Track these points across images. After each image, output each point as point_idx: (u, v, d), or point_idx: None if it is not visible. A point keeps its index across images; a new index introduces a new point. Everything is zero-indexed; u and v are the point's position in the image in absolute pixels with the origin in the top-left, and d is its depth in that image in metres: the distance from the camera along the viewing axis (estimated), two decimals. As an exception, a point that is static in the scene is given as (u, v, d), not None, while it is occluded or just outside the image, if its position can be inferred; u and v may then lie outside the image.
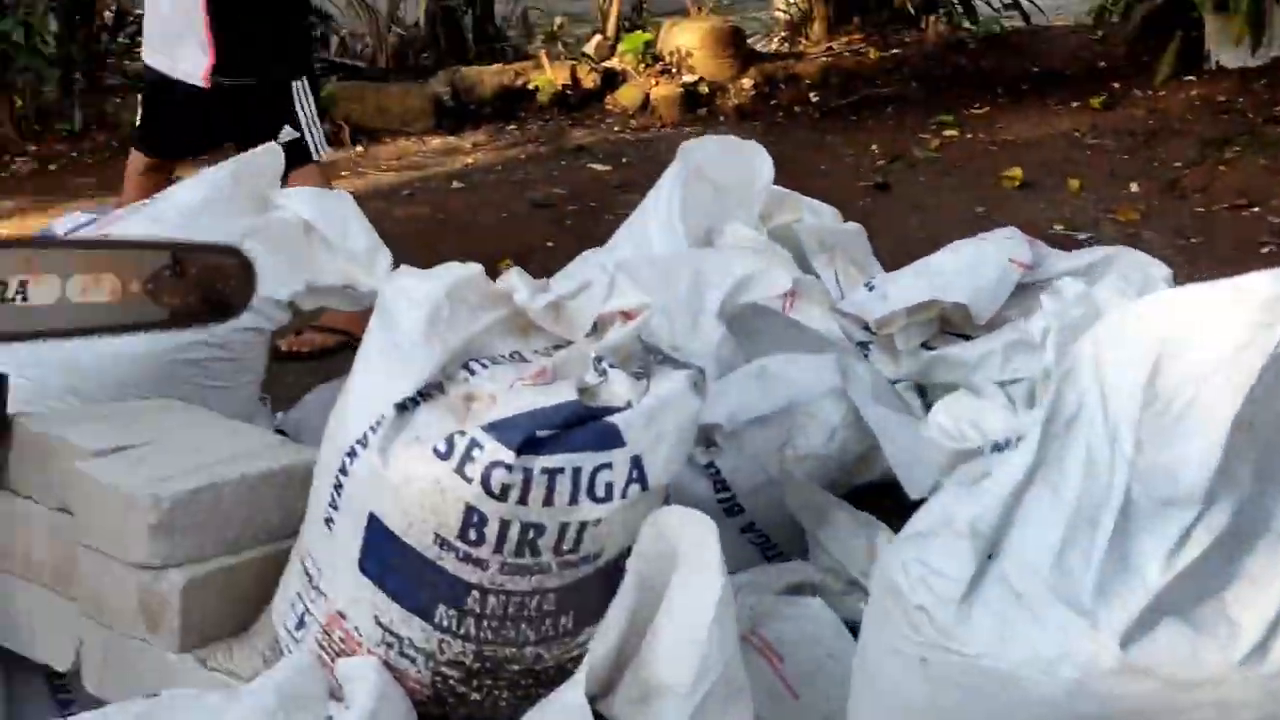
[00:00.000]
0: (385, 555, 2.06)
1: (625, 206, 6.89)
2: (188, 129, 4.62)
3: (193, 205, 2.90)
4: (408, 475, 2.03)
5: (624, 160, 7.79)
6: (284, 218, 2.92)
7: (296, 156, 4.29)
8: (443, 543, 2.03)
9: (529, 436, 2.01)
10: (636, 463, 2.05)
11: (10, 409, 2.45)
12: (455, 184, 7.47)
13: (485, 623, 2.05)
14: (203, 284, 2.53)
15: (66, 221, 3.04)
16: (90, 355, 2.66)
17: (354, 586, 2.09)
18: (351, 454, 2.09)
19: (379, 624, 2.08)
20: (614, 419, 2.06)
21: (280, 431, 2.94)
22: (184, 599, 2.22)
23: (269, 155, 3.01)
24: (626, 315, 2.19)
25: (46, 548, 2.38)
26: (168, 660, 2.23)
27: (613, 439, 2.05)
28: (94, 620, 2.31)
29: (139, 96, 4.95)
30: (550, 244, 6.41)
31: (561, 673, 2.09)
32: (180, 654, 2.23)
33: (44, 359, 2.64)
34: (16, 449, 2.43)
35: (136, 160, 4.85)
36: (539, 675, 2.10)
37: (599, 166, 7.69)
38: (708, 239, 2.98)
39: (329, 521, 2.12)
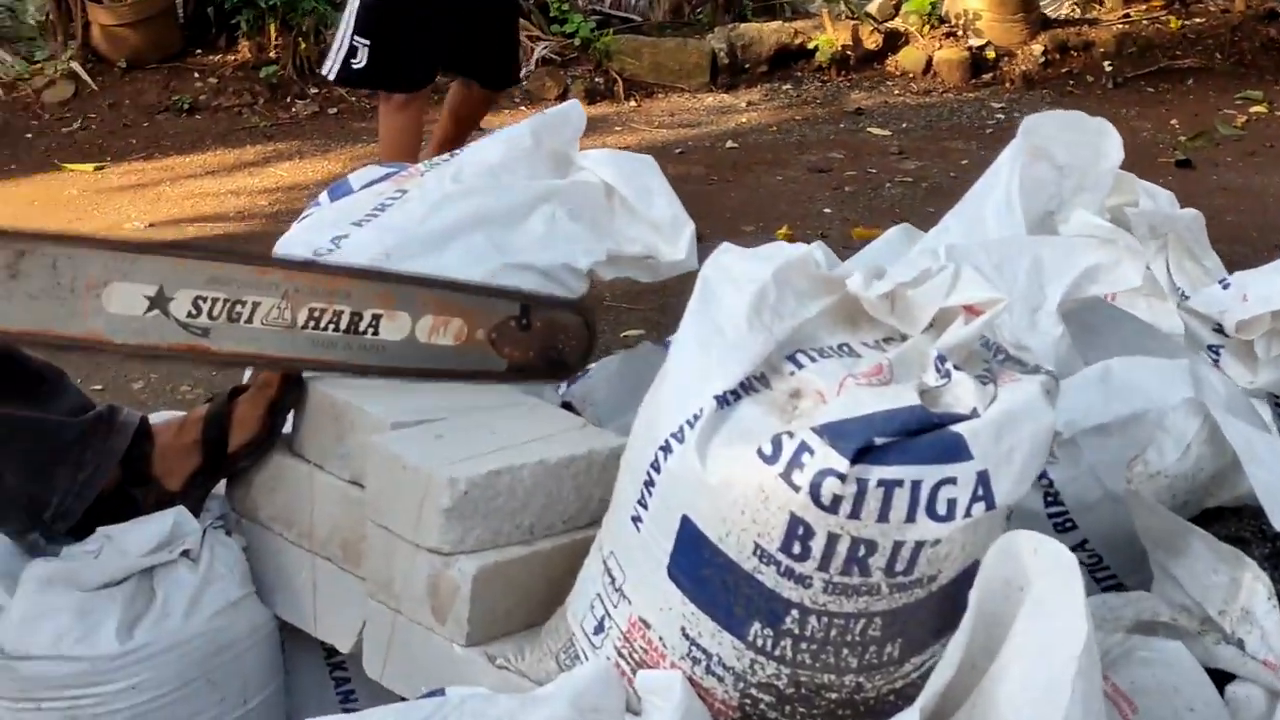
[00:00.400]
0: (697, 562, 1.89)
1: (905, 174, 6.70)
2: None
3: (492, 164, 2.76)
4: (727, 477, 1.86)
5: (904, 125, 7.54)
6: (586, 180, 2.77)
7: None
8: (762, 554, 1.85)
9: (865, 443, 1.82)
10: (983, 479, 1.84)
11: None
12: (729, 143, 7.30)
13: (803, 645, 1.87)
14: (545, 339, 2.47)
15: (363, 175, 2.92)
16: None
17: (661, 593, 1.93)
18: (665, 449, 1.92)
19: (685, 636, 1.91)
20: (959, 428, 1.86)
21: (566, 405, 2.79)
22: (475, 588, 2.08)
23: (571, 112, 2.85)
24: (971, 310, 1.98)
25: (334, 520, 2.27)
26: (454, 652, 2.10)
27: (957, 451, 1.84)
28: (380, 602, 2.19)
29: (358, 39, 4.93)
30: (827, 210, 6.21)
31: (882, 705, 1.90)
32: (467, 647, 2.09)
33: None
34: (310, 414, 2.32)
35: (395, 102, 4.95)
36: (857, 706, 1.91)
37: (878, 131, 7.45)
38: (1047, 224, 2.74)
39: (636, 520, 1.96)
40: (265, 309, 2.24)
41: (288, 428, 2.37)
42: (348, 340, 2.30)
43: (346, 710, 2.39)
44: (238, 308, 2.22)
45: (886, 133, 7.38)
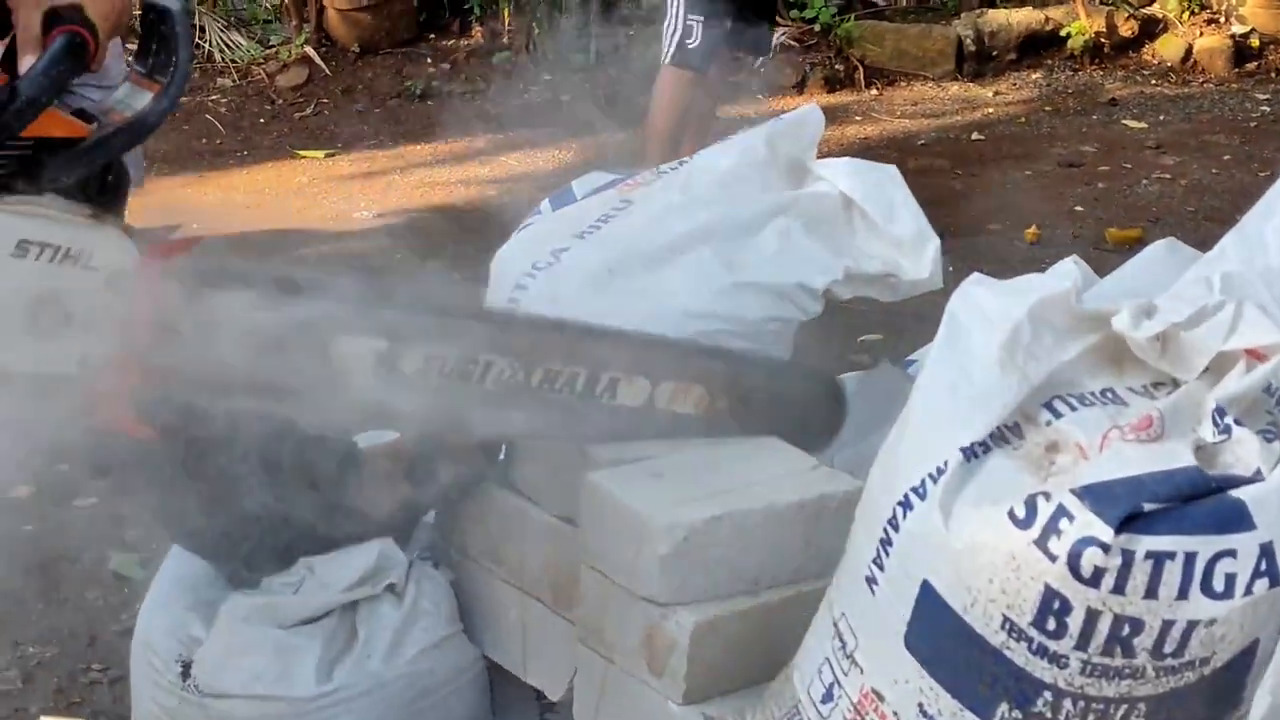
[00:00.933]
0: (938, 633, 1.71)
1: (1162, 170, 6.38)
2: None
3: (723, 174, 2.60)
4: (974, 541, 1.67)
5: (1161, 118, 7.21)
6: (823, 191, 2.59)
7: None
8: (1012, 628, 1.66)
9: (1133, 509, 1.62)
10: (1267, 552, 1.64)
11: None
12: (974, 135, 7.05)
13: (1057, 731, 1.68)
14: (791, 411, 2.26)
15: (587, 182, 2.78)
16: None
17: (897, 664, 1.75)
18: (905, 505, 1.74)
19: (923, 713, 1.73)
20: (1240, 493, 1.65)
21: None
22: (694, 643, 1.93)
23: (809, 118, 2.67)
24: (1254, 354, 1.76)
25: (545, 559, 2.14)
26: (670, 710, 1.95)
27: (1238, 520, 1.64)
28: (592, 650, 2.04)
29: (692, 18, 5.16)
30: (1078, 208, 5.94)
31: (1148, 798, 1.70)
32: (684, 705, 1.94)
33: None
34: (523, 445, 2.18)
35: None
36: (1116, 798, 1.71)
37: (1133, 124, 7.13)
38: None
39: (871, 581, 1.78)
40: (499, 369, 2.09)
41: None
42: (583, 403, 2.13)
43: (558, 757, 2.26)
44: (470, 366, 2.07)
45: (1143, 126, 7.06)
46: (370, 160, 6.91)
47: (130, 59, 2.00)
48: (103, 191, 1.92)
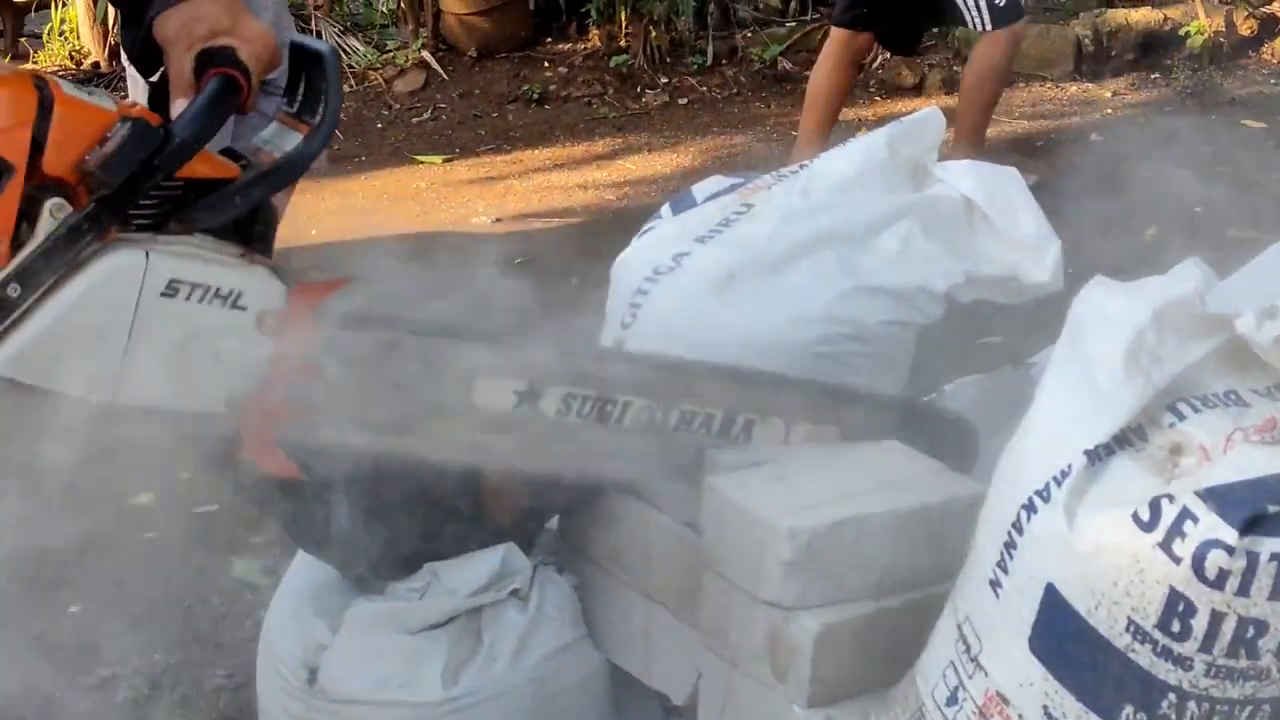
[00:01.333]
0: (1063, 636, 1.71)
1: (1280, 170, 6.28)
2: None
3: (844, 177, 2.60)
4: (1099, 544, 1.67)
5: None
6: (944, 194, 2.59)
7: None
8: (1137, 631, 1.66)
9: (1258, 511, 1.61)
10: (1392, 554, 1.62)
11: None
12: (1093, 136, 6.97)
13: (1182, 733, 1.68)
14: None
15: (706, 186, 2.80)
16: (732, 345, 2.42)
17: (1022, 667, 1.75)
18: (1029, 508, 1.75)
19: (1049, 716, 1.73)
20: (1365, 495, 1.64)
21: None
22: (817, 647, 1.94)
23: (931, 120, 2.68)
24: (1380, 356, 1.75)
25: (669, 564, 2.15)
26: (794, 714, 1.96)
27: (1364, 522, 1.62)
28: (716, 654, 2.06)
29: None
30: (1198, 209, 5.86)
31: (1271, 801, 1.69)
32: (809, 709, 1.95)
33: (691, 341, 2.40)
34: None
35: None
36: (1244, 800, 1.70)
37: (1253, 124, 7.02)
38: None
39: (995, 584, 1.78)
40: (636, 409, 2.09)
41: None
42: (719, 445, 2.14)
43: (683, 762, 2.27)
44: (608, 407, 2.08)
45: (1263, 125, 6.95)
46: (488, 165, 6.96)
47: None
48: (252, 231, 1.94)
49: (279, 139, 1.97)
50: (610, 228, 5.79)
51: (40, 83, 1.81)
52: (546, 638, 2.18)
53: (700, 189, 2.81)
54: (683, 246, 2.63)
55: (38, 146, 1.77)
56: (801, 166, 2.74)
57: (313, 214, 6.13)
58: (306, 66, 1.99)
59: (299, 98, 1.99)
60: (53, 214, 1.78)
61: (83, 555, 3.49)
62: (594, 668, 2.23)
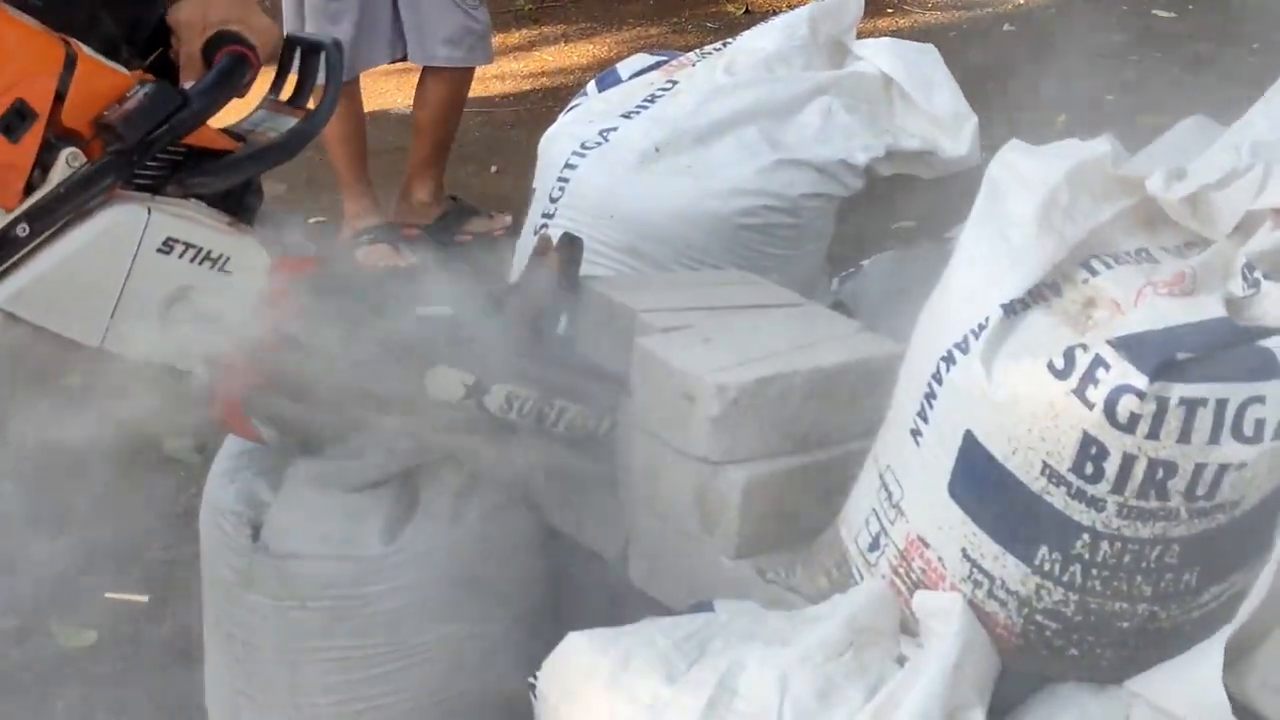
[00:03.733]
0: (981, 481, 1.79)
1: (1193, 59, 6.37)
2: None
3: (766, 54, 2.67)
4: (1015, 392, 1.74)
5: (1190, 7, 7.18)
6: (863, 71, 2.65)
7: None
8: (1052, 475, 1.73)
9: (1166, 358, 1.69)
10: (1295, 398, 1.70)
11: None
12: (1006, 26, 7.04)
13: (1094, 572, 1.76)
14: None
15: (631, 64, 2.85)
16: (659, 216, 2.47)
17: (941, 512, 1.83)
18: (948, 360, 1.81)
19: (967, 558, 1.81)
20: (1269, 343, 1.72)
21: (838, 305, 2.69)
22: (744, 499, 2.01)
23: (849, 1, 2.73)
24: (1281, 215, 1.83)
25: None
26: (722, 564, 2.04)
27: (1268, 368, 1.70)
28: (646, 510, 2.13)
29: None
30: (1109, 96, 5.94)
31: (1177, 635, 1.78)
32: (736, 559, 2.03)
33: (618, 213, 2.45)
34: (587, 315, 2.26)
35: None
36: (1150, 636, 1.79)
37: (1163, 13, 7.11)
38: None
39: (915, 434, 1.86)
40: (571, 415, 2.17)
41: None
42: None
43: (614, 620, 2.34)
44: (545, 409, 2.15)
45: (1172, 15, 7.04)
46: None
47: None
48: (242, 202, 2.04)
49: (272, 121, 2.06)
50: (528, 118, 5.81)
51: (65, 40, 1.88)
52: (482, 498, 2.23)
53: (625, 66, 2.86)
54: (609, 122, 2.68)
55: (59, 98, 1.86)
56: (724, 44, 2.79)
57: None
58: (303, 58, 2.09)
59: (292, 87, 2.10)
60: (68, 162, 1.87)
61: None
62: (528, 527, 2.29)
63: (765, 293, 2.32)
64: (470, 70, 4.70)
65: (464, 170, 5.37)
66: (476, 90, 6.27)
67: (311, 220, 5.11)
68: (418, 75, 4.88)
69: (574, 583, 2.34)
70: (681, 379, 2.03)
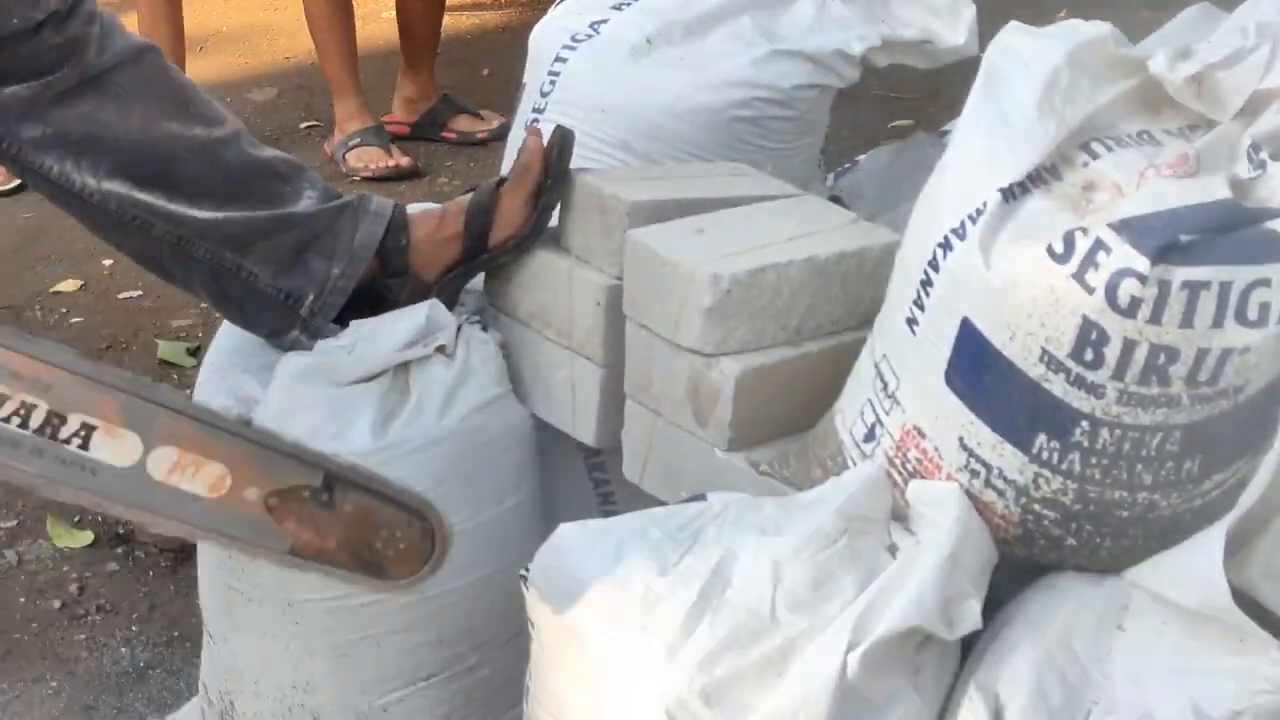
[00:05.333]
0: (978, 369, 1.75)
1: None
2: None
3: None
4: (1013, 277, 1.71)
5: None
6: (857, -42, 2.59)
7: None
8: (1050, 361, 1.70)
9: (1169, 241, 1.65)
10: (1301, 281, 1.67)
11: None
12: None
13: (1093, 460, 1.73)
14: (354, 531, 1.74)
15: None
16: (651, 109, 2.43)
17: (937, 401, 1.79)
18: (945, 246, 1.78)
19: (964, 447, 1.78)
20: (1274, 224, 1.68)
21: (834, 199, 2.64)
22: (738, 390, 1.98)
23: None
24: (1289, 95, 1.79)
25: (594, 317, 2.17)
26: (715, 457, 2.01)
27: (1273, 250, 1.67)
28: (639, 404, 2.10)
29: None
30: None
31: (1178, 524, 1.76)
32: (729, 452, 2.00)
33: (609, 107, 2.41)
34: (574, 207, 2.21)
35: None
36: (1150, 525, 1.77)
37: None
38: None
39: (911, 322, 1.82)
40: None
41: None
42: (38, 444, 1.61)
43: (606, 513, 2.32)
44: None
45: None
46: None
47: None
48: None
49: None
50: (518, 20, 5.75)
51: None
52: (472, 392, 2.21)
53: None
54: (600, 14, 2.63)
55: None
56: (716, -67, 2.73)
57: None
58: None
59: None
60: None
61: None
62: (519, 421, 2.26)
63: (760, 184, 2.28)
64: None
65: (454, 73, 5.31)
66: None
67: (303, 125, 5.07)
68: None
69: (569, 477, 2.33)
70: (674, 269, 2.00)
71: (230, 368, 2.24)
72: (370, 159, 4.58)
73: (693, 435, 2.03)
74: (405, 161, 4.60)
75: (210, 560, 2.30)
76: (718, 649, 1.69)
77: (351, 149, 4.64)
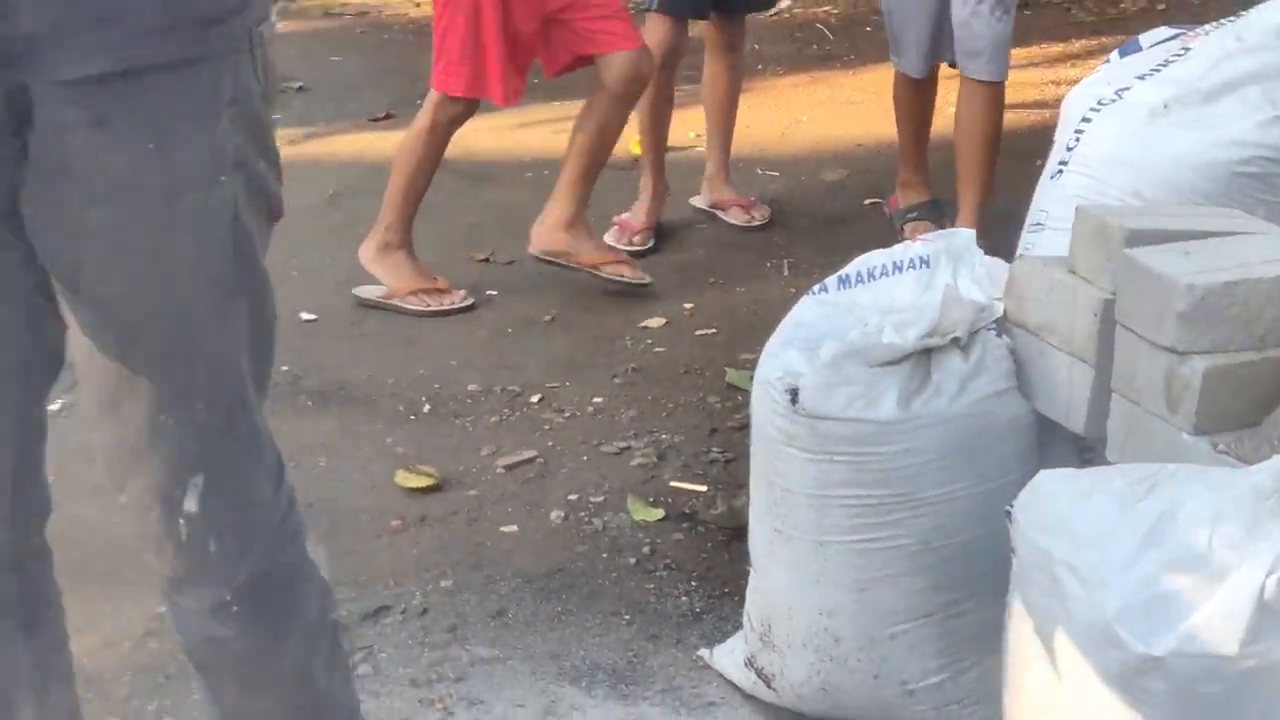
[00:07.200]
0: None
1: None
2: None
3: (1276, 24, 2.97)
4: None
5: None
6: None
7: None
8: None
9: None
10: None
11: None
12: None
13: None
14: None
15: (1153, 35, 3.18)
16: (1163, 161, 2.82)
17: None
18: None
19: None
20: None
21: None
22: (1204, 384, 2.35)
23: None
24: None
25: (1091, 326, 2.56)
26: (1182, 439, 2.38)
27: None
28: (1123, 396, 2.49)
29: None
30: None
31: None
32: (1194, 436, 2.36)
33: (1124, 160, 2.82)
34: (1085, 237, 2.60)
35: None
36: None
37: None
38: None
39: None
40: None
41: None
42: None
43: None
44: None
45: None
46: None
47: None
48: None
49: None
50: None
51: None
52: (983, 384, 2.64)
53: (1147, 37, 3.21)
54: (1124, 83, 3.05)
55: None
56: (1238, 15, 3.10)
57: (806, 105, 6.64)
58: None
59: None
60: None
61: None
62: (1021, 412, 2.68)
63: (1247, 223, 2.63)
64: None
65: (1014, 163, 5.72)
66: (1030, 95, 6.61)
67: (866, 202, 5.59)
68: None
69: (1062, 465, 2.72)
70: (1158, 279, 2.39)
71: (784, 350, 2.75)
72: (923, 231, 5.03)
73: (1164, 421, 2.41)
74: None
75: (760, 506, 2.82)
76: (1159, 571, 2.06)
77: (908, 223, 5.11)
